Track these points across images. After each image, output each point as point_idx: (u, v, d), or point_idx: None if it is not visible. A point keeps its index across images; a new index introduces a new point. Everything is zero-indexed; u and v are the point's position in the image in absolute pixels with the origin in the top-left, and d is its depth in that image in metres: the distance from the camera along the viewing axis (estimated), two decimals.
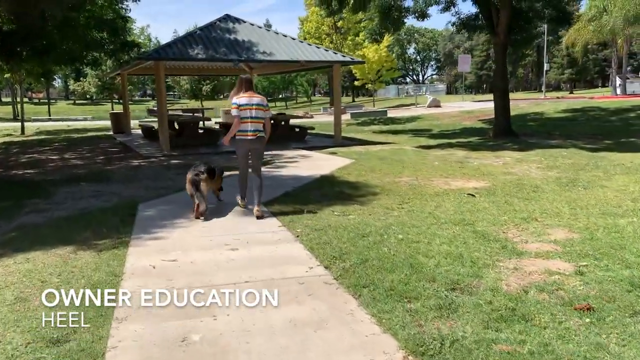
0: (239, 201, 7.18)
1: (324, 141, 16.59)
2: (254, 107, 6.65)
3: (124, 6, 19.68)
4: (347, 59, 15.65)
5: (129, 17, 17.78)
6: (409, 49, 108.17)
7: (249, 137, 6.70)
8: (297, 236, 5.65)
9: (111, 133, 22.43)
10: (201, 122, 17.82)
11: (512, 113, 24.99)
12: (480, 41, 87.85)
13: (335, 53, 15.63)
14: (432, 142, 15.83)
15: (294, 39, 16.28)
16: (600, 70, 79.78)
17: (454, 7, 17.07)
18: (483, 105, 31.50)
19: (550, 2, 14.72)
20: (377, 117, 28.54)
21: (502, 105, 16.93)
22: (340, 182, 9.05)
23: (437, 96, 40.83)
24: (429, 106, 34.56)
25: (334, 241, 5.36)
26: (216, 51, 14.29)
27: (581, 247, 5.00)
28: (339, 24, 27.75)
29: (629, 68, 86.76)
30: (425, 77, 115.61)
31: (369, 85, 41.78)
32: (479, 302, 3.74)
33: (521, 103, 30.55)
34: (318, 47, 15.85)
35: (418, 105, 36.64)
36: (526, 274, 4.32)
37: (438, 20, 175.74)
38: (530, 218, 6.19)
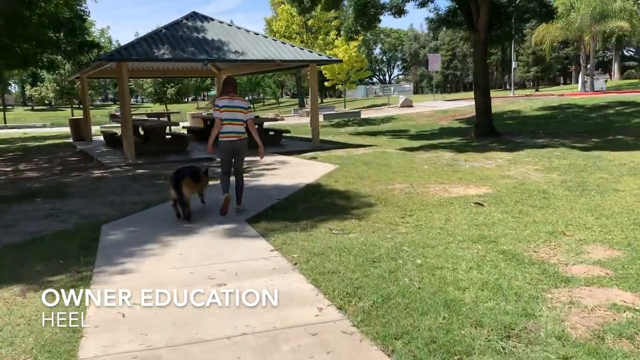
0: (225, 196, 6.85)
1: (301, 145, 15.69)
2: (234, 109, 6.66)
3: (82, 8, 18.43)
4: (324, 57, 14.80)
5: (88, 17, 16.47)
6: (375, 49, 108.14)
7: (229, 139, 6.72)
8: (295, 263, 4.75)
9: (71, 140, 21.02)
10: (168, 127, 16.72)
11: None
12: (446, 40, 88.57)
13: (311, 52, 14.76)
14: (414, 143, 15.11)
15: (266, 37, 15.35)
16: (562, 68, 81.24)
17: (432, 2, 16.39)
18: (456, 105, 31.13)
19: None
20: (350, 119, 27.79)
21: (483, 104, 16.35)
22: (329, 191, 8.18)
23: (407, 96, 40.37)
24: (401, 106, 34.03)
25: (341, 270, 4.48)
26: (184, 51, 13.24)
27: (634, 268, 4.25)
28: (310, 22, 26.88)
29: (590, 66, 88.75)
30: (392, 77, 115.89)
31: (339, 85, 41.02)
32: (549, 358, 2.92)
33: (494, 101, 30.26)
34: (293, 46, 14.95)
35: (390, 106, 36.07)
36: (588, 310, 3.53)
37: (414, 18, 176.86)
38: (557, 232, 5.43)
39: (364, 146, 14.90)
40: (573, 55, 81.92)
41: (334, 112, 33.23)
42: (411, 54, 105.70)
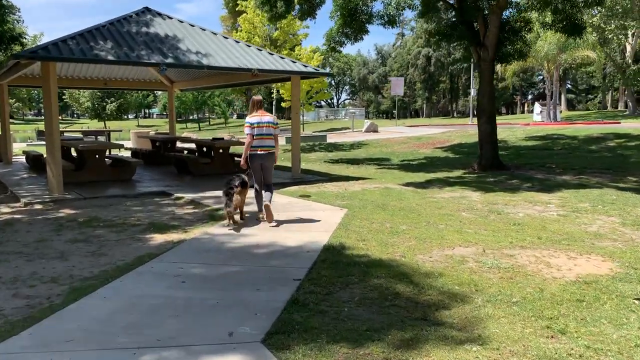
0: (259, 216, 7.38)
1: (278, 175, 12.78)
2: (265, 125, 7.22)
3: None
4: (310, 69, 12.02)
5: (11, 4, 13.00)
6: None
7: (260, 152, 7.23)
8: None
9: None
10: (109, 150, 13.39)
11: (467, 140, 22.58)
12: (395, 67, 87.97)
13: (294, 62, 11.96)
14: (414, 177, 12.51)
15: (237, 41, 12.42)
16: (506, 98, 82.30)
17: (432, 12, 14.01)
18: (424, 131, 29.08)
19: (559, 9, 11.99)
20: (316, 143, 25.11)
21: (489, 131, 14.02)
22: (365, 262, 5.31)
23: (372, 120, 38.18)
24: (366, 131, 31.69)
25: None
26: (133, 50, 10.14)
27: None
28: (275, 34, 24.12)
29: (530, 96, 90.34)
30: (339, 101, 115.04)
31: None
32: None
33: (464, 129, 28.44)
34: (271, 54, 12.10)
35: (355, 130, 33.68)
36: None
37: (364, 44, 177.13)
38: None
39: (356, 179, 12.16)
40: (519, 85, 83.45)
41: None
42: (360, 79, 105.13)
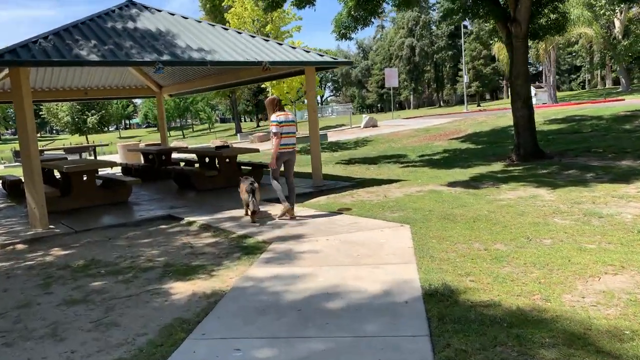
0: (283, 205, 7.47)
1: (296, 183, 11.13)
2: (291, 123, 7.48)
3: None
4: (327, 58, 10.34)
5: None
6: None
7: (289, 150, 7.45)
8: None
9: None
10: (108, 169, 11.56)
11: (481, 129, 21.04)
12: (378, 60, 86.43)
13: (308, 51, 10.28)
14: (455, 175, 10.90)
15: (240, 32, 10.69)
16: (492, 82, 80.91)
17: None
18: (427, 123, 27.52)
19: None
20: None
21: (527, 117, 12.44)
22: (502, 318, 3.65)
23: (371, 115, 36.63)
24: (365, 126, 30.08)
25: None
26: (120, 48, 8.39)
27: None
28: (267, 28, 22.36)
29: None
30: (323, 98, 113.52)
31: (289, 106, 36.59)
32: None
33: (473, 116, 26.98)
34: (280, 44, 10.41)
35: (353, 126, 32.05)
36: None
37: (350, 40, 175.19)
38: None
39: (387, 182, 10.52)
40: (504, 69, 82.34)
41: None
42: (342, 75, 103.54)
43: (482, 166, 11.99)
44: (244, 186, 7.53)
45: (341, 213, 7.69)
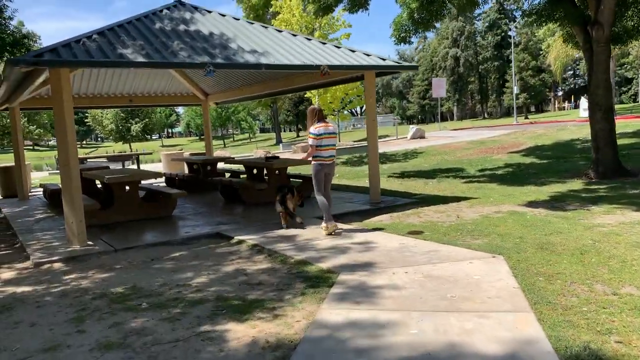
0: (324, 226, 7.18)
1: (349, 198, 10.21)
2: (331, 135, 7.23)
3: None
4: (390, 62, 9.40)
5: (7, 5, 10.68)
6: None
7: (327, 162, 7.21)
8: None
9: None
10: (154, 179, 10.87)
11: (542, 142, 19.64)
12: (421, 70, 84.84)
13: (369, 55, 9.38)
14: (530, 193, 9.77)
15: (295, 34, 9.86)
16: (540, 94, 78.08)
17: None
18: (479, 135, 26.22)
19: None
20: (363, 154, 22.48)
21: (608, 130, 11.20)
22: None
23: (418, 126, 35.50)
24: (412, 138, 28.96)
25: None
26: (168, 50, 7.66)
27: None
28: (315, 35, 21.52)
29: (560, 93, 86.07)
30: (362, 108, 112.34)
31: (332, 116, 35.75)
32: None
33: (520, 131, 25.53)
34: (338, 47, 9.54)
35: (399, 137, 30.96)
36: None
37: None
38: None
39: (455, 200, 9.46)
40: (551, 81, 79.44)
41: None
42: (383, 85, 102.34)
43: (559, 184, 10.79)
44: (276, 197, 7.73)
45: (413, 236, 6.70)
